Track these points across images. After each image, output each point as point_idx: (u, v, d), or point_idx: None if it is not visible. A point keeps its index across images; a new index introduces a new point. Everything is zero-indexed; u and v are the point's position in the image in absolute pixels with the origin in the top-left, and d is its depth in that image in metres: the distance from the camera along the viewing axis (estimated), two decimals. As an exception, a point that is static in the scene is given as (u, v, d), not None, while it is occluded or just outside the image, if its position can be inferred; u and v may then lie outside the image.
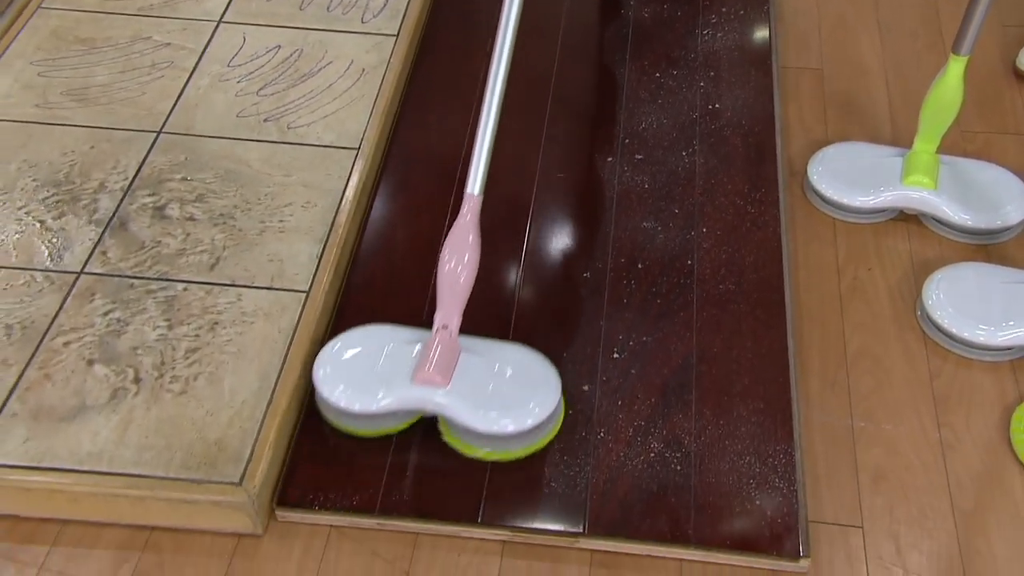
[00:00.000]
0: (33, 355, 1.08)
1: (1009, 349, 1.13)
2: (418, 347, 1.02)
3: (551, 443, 1.04)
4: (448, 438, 1.03)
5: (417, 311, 1.17)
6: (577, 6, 1.60)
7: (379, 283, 1.21)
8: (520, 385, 1.02)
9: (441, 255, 1.02)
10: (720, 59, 1.51)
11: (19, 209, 1.24)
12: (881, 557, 0.98)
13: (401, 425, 1.04)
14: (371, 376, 1.01)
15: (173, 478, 0.98)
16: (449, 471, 1.03)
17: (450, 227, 1.04)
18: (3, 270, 1.16)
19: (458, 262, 1.00)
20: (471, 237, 1.01)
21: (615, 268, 1.22)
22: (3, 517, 1.00)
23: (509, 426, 0.98)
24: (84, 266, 1.17)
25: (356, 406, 1.00)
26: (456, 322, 1.01)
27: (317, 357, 1.04)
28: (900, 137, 1.42)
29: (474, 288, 1.03)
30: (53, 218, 1.23)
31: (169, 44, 1.48)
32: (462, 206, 1.03)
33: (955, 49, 1.19)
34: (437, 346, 1.00)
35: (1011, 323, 1.13)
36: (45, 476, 0.98)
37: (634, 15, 1.59)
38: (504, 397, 1.00)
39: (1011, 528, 1.00)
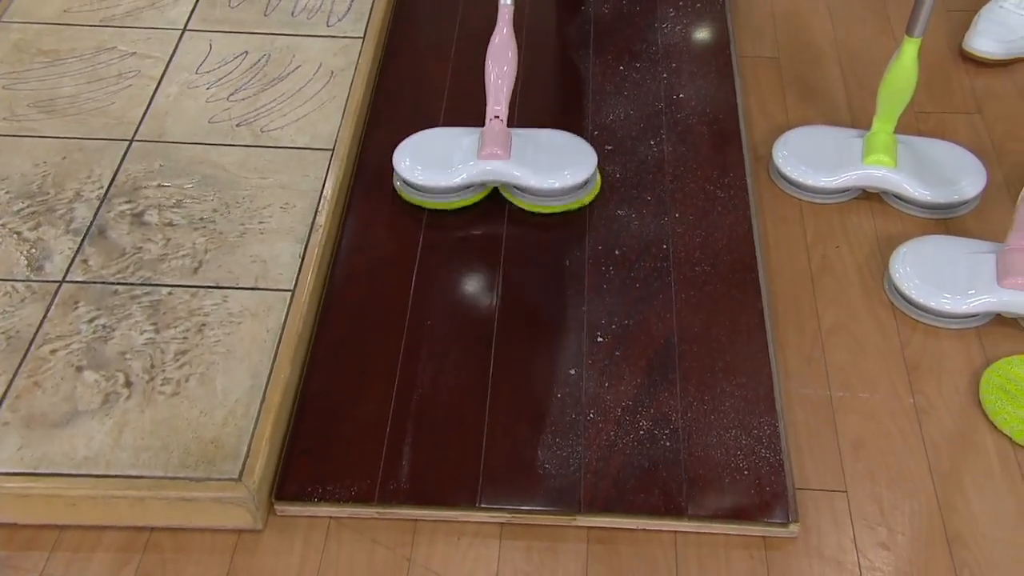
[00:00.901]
0: (20, 364, 1.08)
1: (974, 316, 1.18)
2: (477, 135, 1.27)
3: (545, 426, 1.06)
4: (514, 200, 1.28)
5: (401, 306, 1.18)
6: (537, 3, 1.63)
7: (362, 279, 1.22)
8: (564, 154, 1.29)
9: (486, 62, 1.25)
10: (680, 51, 1.55)
11: (-6, 222, 1.23)
12: (866, 519, 1.02)
13: (475, 197, 1.28)
14: (445, 157, 1.27)
15: (172, 477, 0.99)
16: (445, 457, 1.04)
17: (428, 222, 1.23)
18: (-17, 282, 1.16)
19: (501, 64, 1.25)
20: (509, 43, 1.26)
21: (593, 255, 1.25)
22: (2, 526, 1.00)
23: (563, 182, 1.25)
24: (65, 275, 1.17)
25: (437, 182, 1.26)
26: (505, 111, 1.26)
27: (395, 152, 1.29)
28: (857, 119, 1.47)
29: (456, 284, 1.18)
30: (29, 229, 1.22)
31: (135, 53, 1.48)
32: (498, 17, 1.25)
33: (909, 31, 1.24)
34: (493, 130, 1.25)
35: (973, 292, 1.17)
36: (42, 482, 0.98)
37: (594, 11, 1.62)
38: (554, 163, 1.26)
39: (986, 485, 1.04)
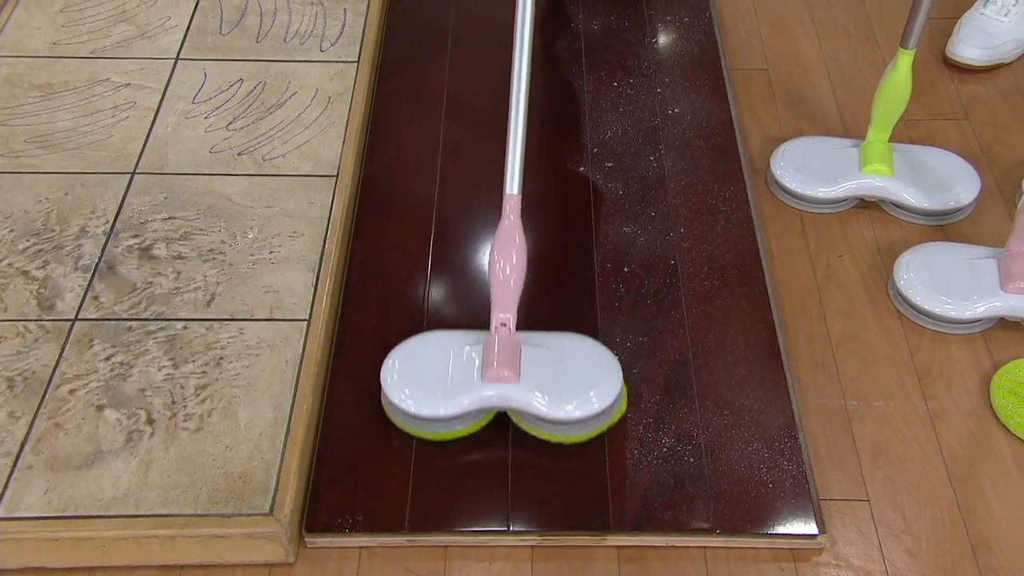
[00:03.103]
0: (40, 405, 1.07)
1: (978, 321, 1.21)
2: (479, 348, 1.06)
3: (569, 448, 1.07)
4: (526, 428, 1.07)
5: (417, 326, 1.19)
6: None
7: (375, 304, 1.22)
8: (584, 369, 1.07)
9: (491, 257, 1.06)
10: (672, 66, 1.56)
11: (0, 261, 1.22)
12: (890, 526, 1.04)
13: (475, 426, 1.07)
14: (442, 381, 1.05)
15: (203, 514, 0.98)
16: (472, 481, 1.05)
17: (435, 243, 1.18)
18: (-7, 323, 1.15)
19: (508, 262, 1.05)
20: (516, 236, 1.06)
21: (603, 274, 1.26)
22: (30, 570, 0.99)
23: (583, 410, 1.03)
24: (78, 312, 1.16)
25: (428, 411, 1.03)
26: (513, 319, 1.06)
27: (383, 368, 1.07)
28: (849, 128, 1.49)
29: (469, 302, 1.16)
30: (37, 268, 1.21)
31: (129, 84, 1.47)
32: (503, 207, 1.06)
33: (903, 43, 1.27)
34: (500, 343, 1.04)
35: (976, 297, 1.20)
36: (71, 525, 0.97)
37: (583, 28, 1.64)
38: (574, 383, 1.05)
39: (1004, 487, 1.07)
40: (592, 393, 1.04)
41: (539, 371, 1.05)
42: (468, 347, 1.07)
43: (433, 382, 1.05)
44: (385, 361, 1.08)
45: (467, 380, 1.04)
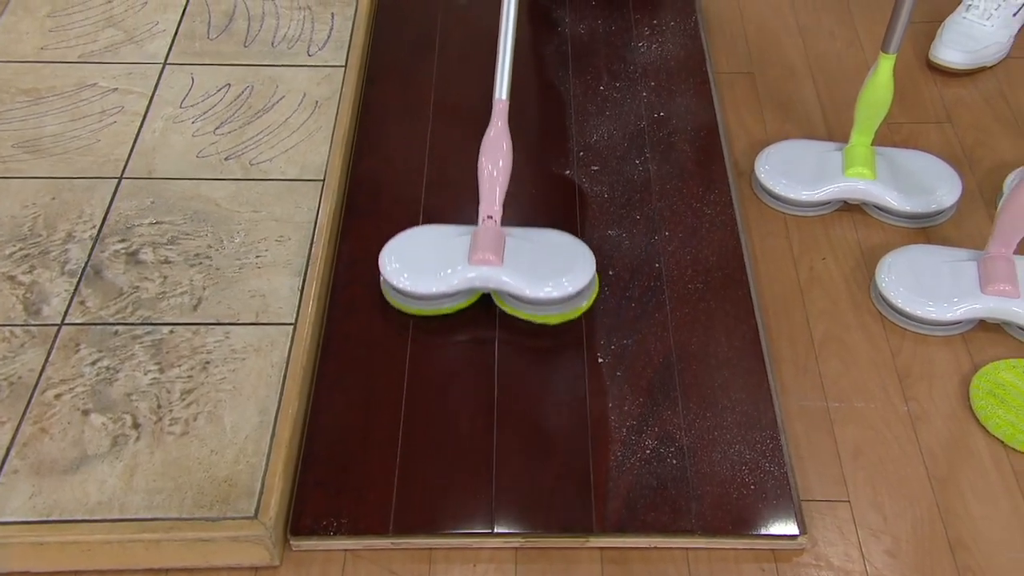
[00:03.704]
0: (26, 410, 1.07)
1: (959, 323, 1.22)
2: (468, 238, 1.18)
3: (552, 450, 1.08)
4: (506, 308, 1.19)
5: (403, 334, 1.20)
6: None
7: (361, 309, 1.23)
8: (561, 257, 1.19)
9: (479, 159, 1.18)
10: (658, 69, 1.57)
11: (-13, 266, 1.22)
12: (870, 527, 1.05)
13: (462, 304, 1.20)
14: (433, 264, 1.17)
15: (188, 518, 0.99)
16: (456, 484, 1.06)
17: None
18: (-20, 328, 1.15)
19: (494, 163, 1.17)
20: (503, 140, 1.18)
21: (587, 277, 1.27)
22: (15, 574, 0.99)
23: (559, 291, 1.16)
24: (64, 317, 1.16)
25: (421, 288, 1.17)
26: (498, 213, 1.18)
27: (381, 254, 1.20)
28: (833, 132, 1.50)
29: (454, 321, 1.19)
30: (23, 272, 1.22)
31: (116, 89, 1.48)
32: (492, 112, 1.18)
33: (884, 48, 1.28)
34: (486, 233, 1.17)
35: (957, 299, 1.21)
36: (56, 529, 0.98)
37: (570, 32, 1.65)
38: (551, 268, 1.17)
39: (982, 489, 1.08)
40: (566, 279, 1.16)
41: (520, 258, 1.17)
42: (457, 237, 1.19)
43: (426, 265, 1.17)
44: (383, 249, 1.20)
45: (456, 263, 1.16)
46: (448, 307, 1.19)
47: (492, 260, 1.15)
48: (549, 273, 1.16)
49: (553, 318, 1.18)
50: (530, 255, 1.18)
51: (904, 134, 1.50)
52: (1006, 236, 1.19)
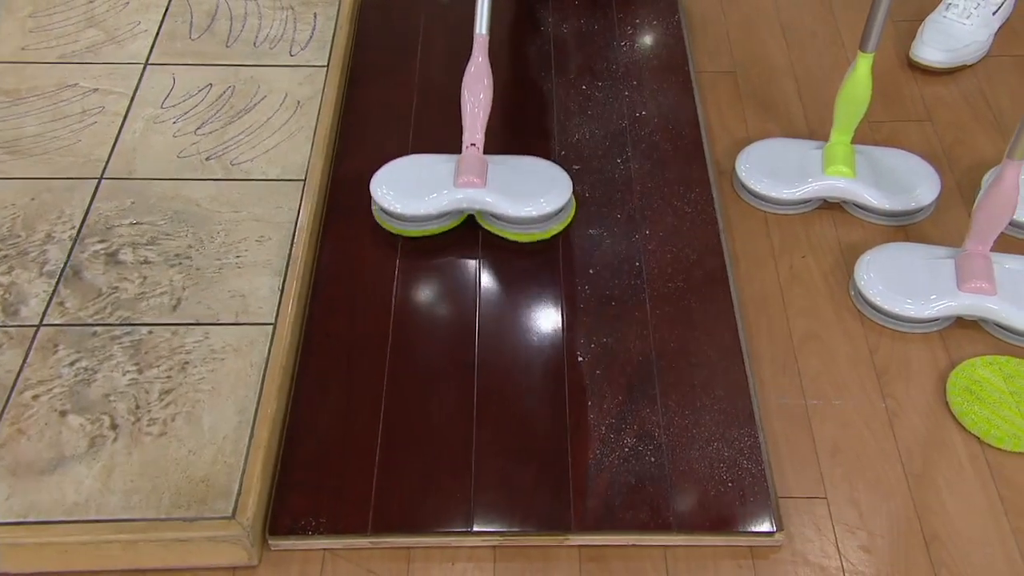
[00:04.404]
0: (3, 411, 1.07)
1: (937, 320, 1.22)
2: (453, 163, 1.28)
3: (531, 448, 1.08)
4: (490, 228, 1.29)
5: (382, 333, 1.20)
6: (497, 26, 1.64)
7: (341, 308, 1.23)
8: (540, 181, 1.30)
9: (462, 92, 1.27)
10: (640, 68, 1.58)
11: (-34, 266, 1.22)
12: (846, 523, 1.05)
13: (450, 224, 1.30)
14: (422, 185, 1.28)
15: (165, 518, 0.99)
16: (435, 483, 1.06)
17: (403, 246, 1.24)
18: (-42, 329, 1.15)
19: (476, 96, 1.27)
20: (484, 74, 1.27)
21: (568, 276, 1.27)
22: (-8, 576, 0.99)
23: (538, 210, 1.27)
24: (42, 318, 1.16)
25: (410, 210, 1.27)
26: (481, 142, 1.28)
27: (372, 181, 1.30)
28: (815, 130, 1.51)
29: (435, 309, 1.21)
30: (2, 273, 1.22)
31: (97, 89, 1.47)
32: (473, 47, 1.27)
33: (862, 47, 1.28)
34: (469, 158, 1.27)
35: (934, 296, 1.22)
36: (32, 530, 0.98)
37: (553, 31, 1.65)
38: (530, 190, 1.28)
39: (958, 484, 1.08)
40: (544, 199, 1.27)
41: (502, 181, 1.28)
42: (443, 164, 1.29)
43: (414, 189, 1.27)
44: (374, 177, 1.30)
45: (442, 187, 1.26)
46: (435, 228, 1.29)
47: (476, 183, 1.25)
48: (529, 194, 1.27)
49: (534, 236, 1.28)
50: (511, 178, 1.28)
51: (885, 132, 1.50)
52: (982, 234, 1.20)
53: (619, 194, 1.38)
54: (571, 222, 1.31)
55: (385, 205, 1.27)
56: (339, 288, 1.25)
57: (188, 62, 1.52)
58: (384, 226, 1.30)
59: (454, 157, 1.30)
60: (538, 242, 1.30)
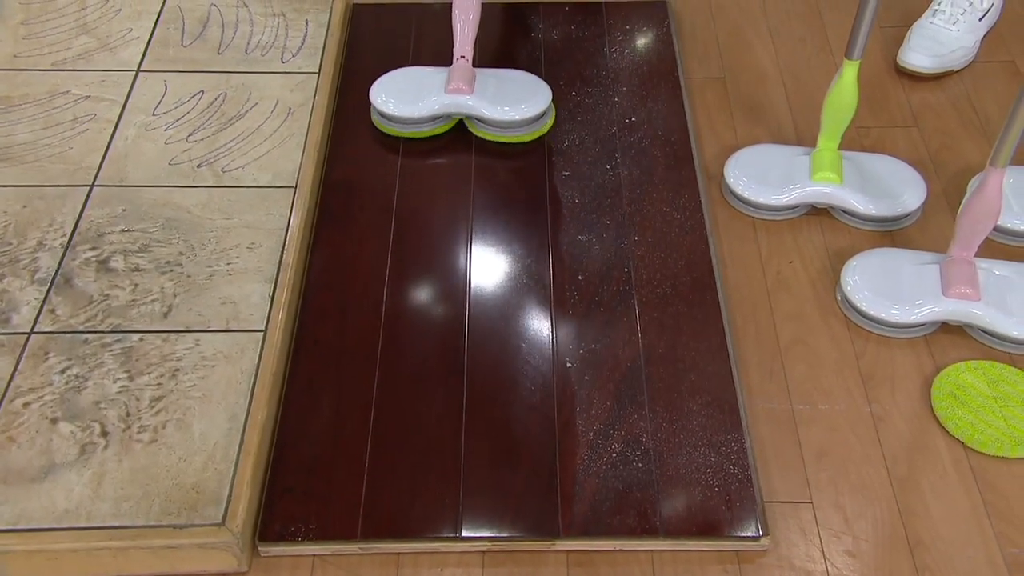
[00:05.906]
0: (-6, 419, 1.08)
1: (922, 325, 1.24)
2: (445, 73, 1.43)
3: (520, 454, 1.09)
4: (477, 132, 1.44)
5: (372, 340, 1.20)
6: (487, 32, 1.66)
7: (331, 315, 1.24)
8: (523, 90, 1.45)
9: (452, 10, 1.42)
10: (630, 75, 1.59)
11: (-43, 274, 1.23)
12: (832, 528, 1.06)
13: (442, 128, 1.45)
14: (416, 92, 1.43)
15: (155, 525, 0.99)
16: (424, 490, 1.07)
17: (394, 253, 1.30)
18: (-50, 337, 1.15)
19: (467, 12, 1.42)
20: None
21: (557, 282, 1.28)
22: (-17, 584, 1.00)
23: (520, 114, 1.42)
24: (34, 326, 1.17)
25: (406, 112, 1.42)
26: (470, 52, 1.43)
27: (371, 89, 1.45)
28: (803, 136, 1.52)
29: (425, 316, 1.21)
30: (-6, 280, 1.22)
31: (89, 96, 1.48)
32: None
33: (848, 54, 1.29)
34: (459, 69, 1.42)
35: (920, 302, 1.23)
36: (23, 538, 0.98)
37: (543, 37, 1.66)
38: (514, 97, 1.43)
39: (942, 488, 1.09)
40: (525, 105, 1.42)
41: (488, 89, 1.43)
42: (436, 74, 1.45)
43: (409, 93, 1.42)
44: (373, 85, 1.45)
45: (434, 92, 1.42)
46: (427, 130, 1.43)
47: (465, 90, 1.41)
48: (513, 100, 1.42)
49: (516, 138, 1.42)
50: (497, 86, 1.44)
51: (872, 138, 1.51)
52: (967, 240, 1.21)
53: (608, 200, 1.39)
54: (548, 131, 1.45)
55: (382, 108, 1.41)
56: (329, 295, 1.26)
57: (180, 69, 1.53)
58: (383, 129, 1.44)
59: (446, 69, 1.44)
60: (525, 243, 1.31)
